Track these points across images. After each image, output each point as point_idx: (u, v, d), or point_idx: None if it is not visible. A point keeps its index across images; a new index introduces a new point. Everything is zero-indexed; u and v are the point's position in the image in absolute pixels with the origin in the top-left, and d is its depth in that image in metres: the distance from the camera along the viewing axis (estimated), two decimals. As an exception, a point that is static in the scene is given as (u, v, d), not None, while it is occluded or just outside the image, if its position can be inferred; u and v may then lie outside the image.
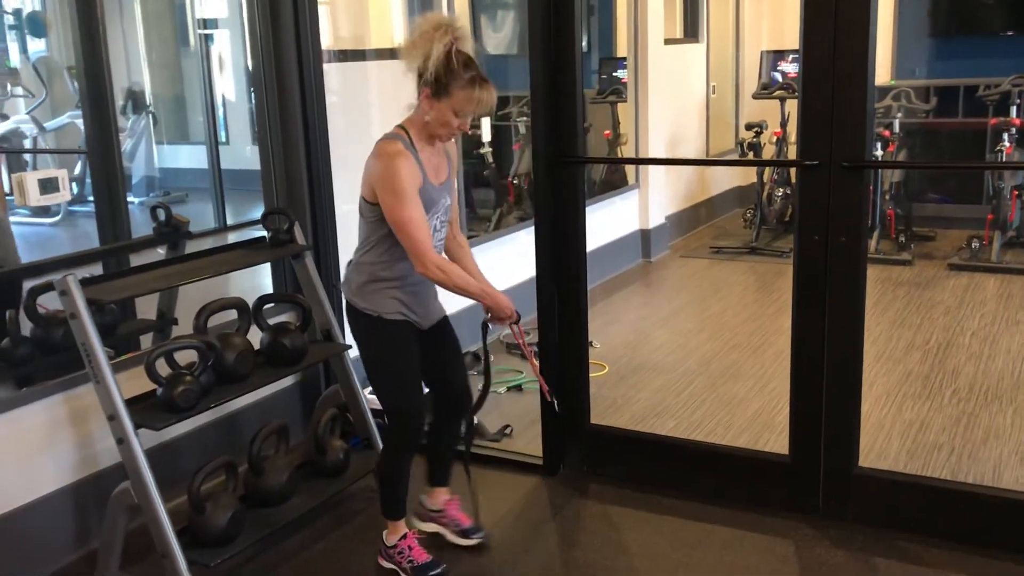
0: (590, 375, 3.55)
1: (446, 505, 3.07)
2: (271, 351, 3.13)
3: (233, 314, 3.12)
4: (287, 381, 3.76)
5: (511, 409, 4.09)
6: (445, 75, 2.48)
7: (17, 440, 2.89)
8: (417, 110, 2.61)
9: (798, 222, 3.03)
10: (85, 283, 2.72)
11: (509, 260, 4.95)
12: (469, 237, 4.90)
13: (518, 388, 4.34)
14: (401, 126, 2.64)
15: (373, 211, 2.61)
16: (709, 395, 4.23)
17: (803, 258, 3.01)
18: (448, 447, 3.03)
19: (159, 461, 2.82)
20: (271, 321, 3.21)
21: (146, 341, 3.53)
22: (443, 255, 2.74)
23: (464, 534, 3.03)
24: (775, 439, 3.59)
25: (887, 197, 6.74)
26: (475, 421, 3.33)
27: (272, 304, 3.43)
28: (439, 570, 2.84)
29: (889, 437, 3.70)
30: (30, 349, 3.10)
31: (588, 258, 3.46)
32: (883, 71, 7.76)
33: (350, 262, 2.78)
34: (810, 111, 2.90)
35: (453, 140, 2.77)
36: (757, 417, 3.94)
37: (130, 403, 2.74)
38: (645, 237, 6.78)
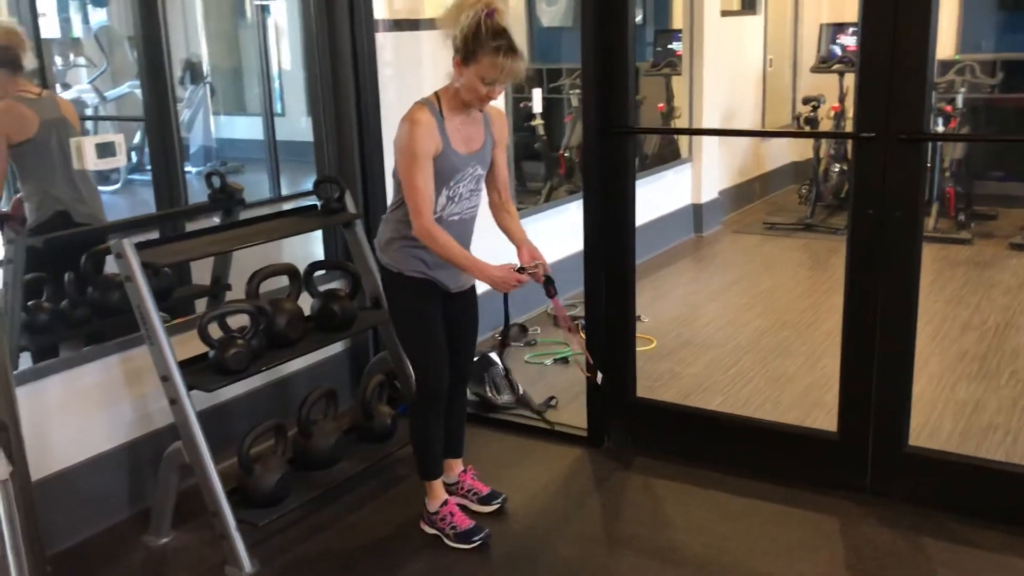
0: (637, 349, 3.54)
1: (461, 476, 3.10)
2: (321, 317, 3.18)
3: (285, 280, 3.17)
4: (336, 347, 3.81)
5: (557, 381, 4.10)
6: (473, 41, 2.51)
7: (75, 398, 2.98)
8: (451, 77, 2.64)
9: (852, 196, 2.97)
10: (140, 247, 2.77)
11: (558, 232, 4.93)
12: (518, 209, 4.91)
13: (564, 360, 4.34)
14: (436, 93, 2.68)
15: None
16: (758, 371, 4.19)
17: (857, 232, 2.96)
18: (454, 418, 3.02)
19: (211, 423, 2.89)
20: (321, 288, 3.25)
21: (200, 306, 3.60)
22: (436, 228, 2.65)
23: (484, 501, 3.07)
24: (824, 417, 3.55)
25: (947, 174, 6.57)
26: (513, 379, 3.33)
27: (323, 272, 3.47)
28: (482, 535, 2.87)
29: (941, 417, 3.63)
30: (88, 311, 3.20)
31: (638, 232, 3.44)
32: (947, 45, 7.54)
33: (383, 218, 2.83)
34: (867, 82, 2.84)
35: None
36: (807, 394, 3.89)
37: (183, 365, 2.80)
38: (697, 211, 6.71)
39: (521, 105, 6.21)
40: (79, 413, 2.99)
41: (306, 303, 3.18)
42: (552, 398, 3.87)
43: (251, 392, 3.47)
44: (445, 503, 2.92)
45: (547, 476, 3.34)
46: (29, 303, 3.13)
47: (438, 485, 2.95)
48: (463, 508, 2.99)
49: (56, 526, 2.86)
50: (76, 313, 3.20)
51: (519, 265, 2.75)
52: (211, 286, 3.62)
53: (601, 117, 3.29)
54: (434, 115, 2.61)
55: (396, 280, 2.77)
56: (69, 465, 2.95)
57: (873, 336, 2.97)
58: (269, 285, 3.13)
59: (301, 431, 3.05)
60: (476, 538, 2.86)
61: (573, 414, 3.71)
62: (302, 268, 3.19)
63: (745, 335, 4.71)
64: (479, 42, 2.50)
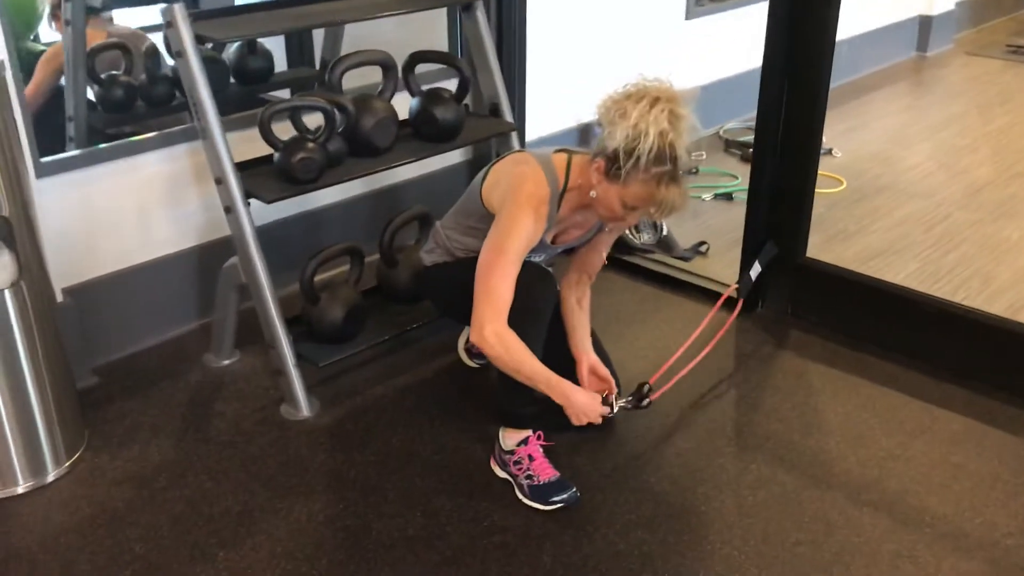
0: (821, 191, 2.79)
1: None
2: (419, 122, 2.62)
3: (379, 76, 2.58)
4: (453, 157, 3.25)
5: (713, 221, 3.42)
6: (626, 157, 1.89)
7: (138, 190, 2.59)
8: (587, 170, 2.02)
9: None
10: (196, 17, 2.26)
11: (727, 44, 4.11)
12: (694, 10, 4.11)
13: (727, 197, 3.63)
14: (569, 164, 2.08)
15: (485, 220, 2.10)
16: (970, 235, 3.39)
17: None
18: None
19: (287, 237, 2.51)
20: (425, 88, 2.66)
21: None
22: (510, 334, 2.00)
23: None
24: (1051, 308, 2.77)
25: None
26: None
27: (429, 69, 2.84)
28: (567, 495, 2.09)
29: None
30: (169, 88, 2.77)
31: (842, 46, 2.65)
32: None
33: (439, 228, 2.32)
34: None
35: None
36: (1030, 273, 3.09)
37: (243, 167, 2.35)
38: (924, 25, 5.70)
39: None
40: (142, 207, 2.61)
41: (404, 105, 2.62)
42: (703, 243, 3.22)
43: (343, 203, 2.99)
44: (525, 441, 2.16)
45: (678, 341, 2.70)
46: (102, 76, 2.73)
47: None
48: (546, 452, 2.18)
49: (108, 334, 2.57)
50: (155, 90, 2.78)
51: (605, 393, 2.19)
52: (319, 70, 3.10)
53: None
54: (552, 204, 2.05)
55: (443, 267, 2.28)
56: (128, 266, 2.61)
57: None
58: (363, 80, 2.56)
59: (384, 259, 2.56)
60: (556, 499, 2.08)
61: (727, 266, 3.06)
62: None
63: (961, 185, 3.86)
64: (636, 163, 1.88)
